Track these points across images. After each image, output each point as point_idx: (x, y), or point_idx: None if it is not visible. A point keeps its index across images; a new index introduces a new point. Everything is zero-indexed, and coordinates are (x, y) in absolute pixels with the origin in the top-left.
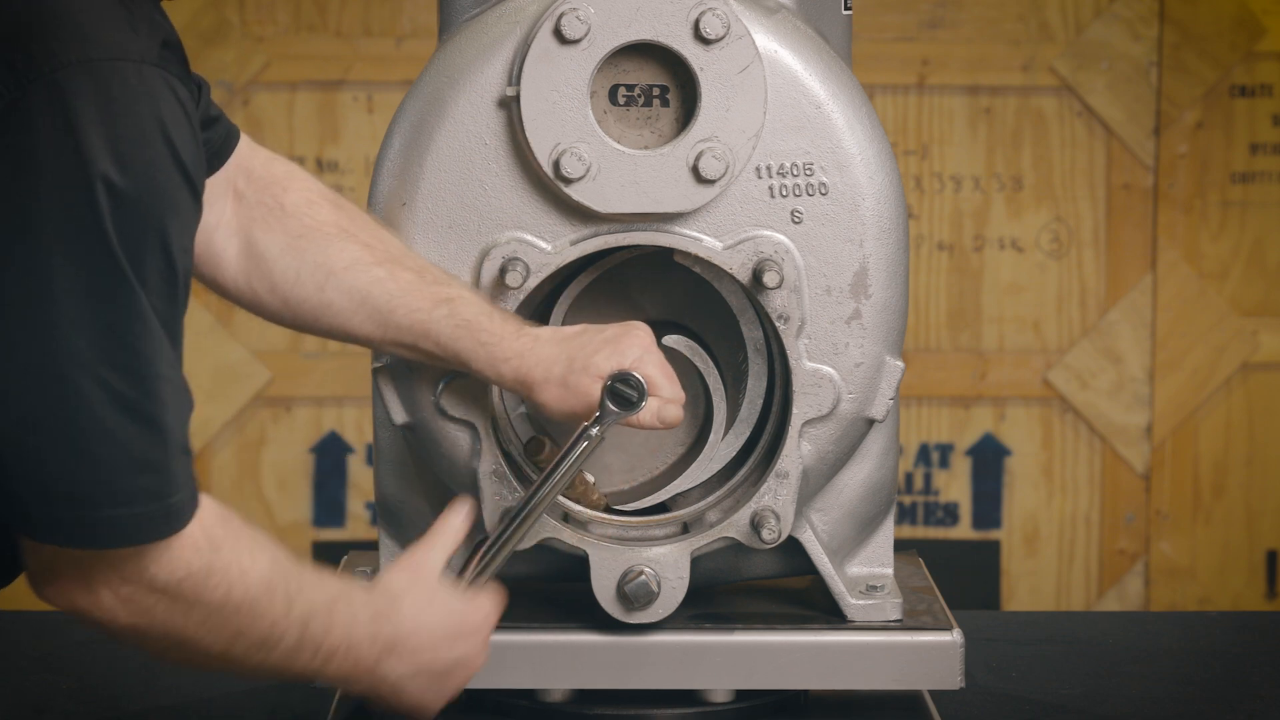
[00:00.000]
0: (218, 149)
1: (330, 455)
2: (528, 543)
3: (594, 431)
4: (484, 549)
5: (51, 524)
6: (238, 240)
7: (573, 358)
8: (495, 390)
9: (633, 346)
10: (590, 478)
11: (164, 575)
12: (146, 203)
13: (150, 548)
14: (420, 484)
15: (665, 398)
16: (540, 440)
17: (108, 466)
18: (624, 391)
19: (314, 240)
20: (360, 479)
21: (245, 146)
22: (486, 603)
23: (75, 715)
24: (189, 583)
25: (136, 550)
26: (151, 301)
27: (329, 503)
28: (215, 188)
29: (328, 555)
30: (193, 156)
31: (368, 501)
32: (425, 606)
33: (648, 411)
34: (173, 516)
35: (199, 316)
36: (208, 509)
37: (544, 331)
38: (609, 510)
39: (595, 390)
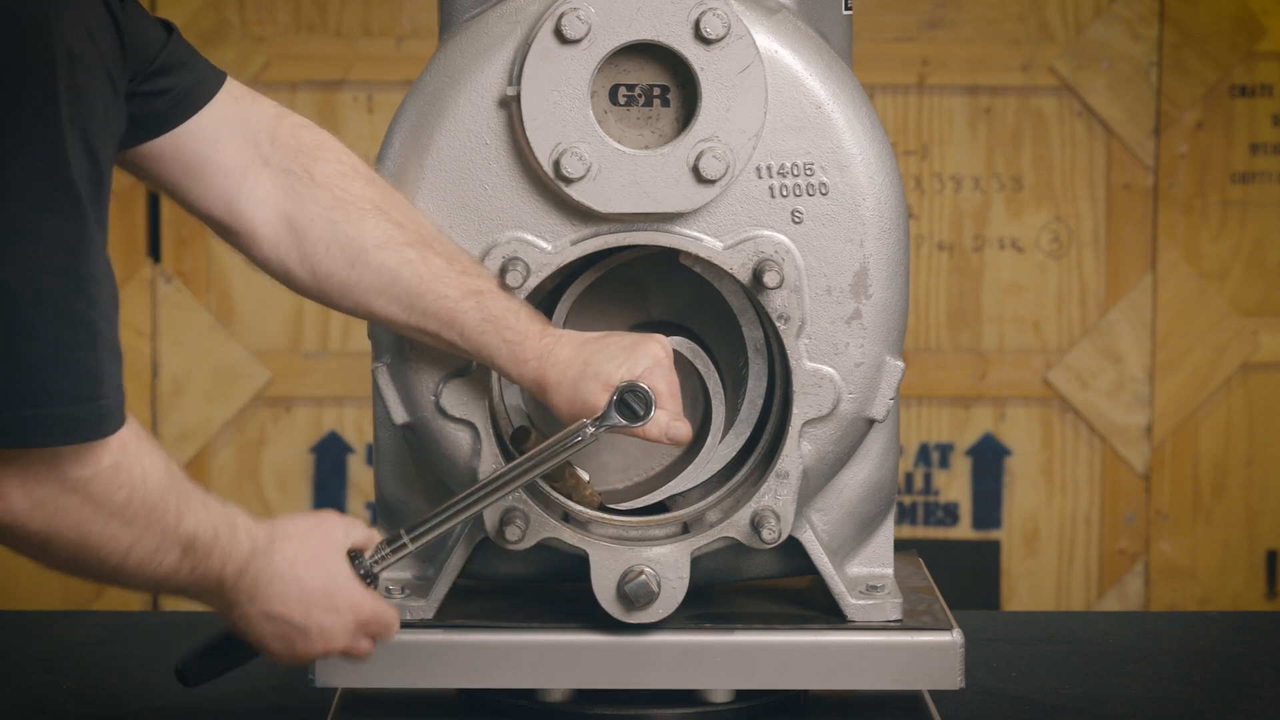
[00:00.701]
0: (187, 95)
1: (330, 455)
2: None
3: (589, 430)
4: (444, 508)
5: None
6: (265, 210)
7: (587, 362)
8: (495, 390)
9: (644, 357)
10: (585, 475)
11: (76, 471)
12: (73, 100)
13: (69, 451)
14: (420, 484)
15: (669, 410)
16: (527, 429)
17: (36, 365)
18: (630, 403)
19: (347, 214)
20: (360, 479)
21: (270, 111)
22: (369, 596)
23: (75, 715)
24: (97, 481)
25: (56, 449)
26: (83, 194)
27: (329, 503)
28: (232, 151)
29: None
30: (114, 56)
31: (368, 501)
32: (304, 562)
33: (656, 425)
34: (103, 419)
35: (199, 316)
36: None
37: (565, 334)
38: (605, 509)
39: (601, 398)
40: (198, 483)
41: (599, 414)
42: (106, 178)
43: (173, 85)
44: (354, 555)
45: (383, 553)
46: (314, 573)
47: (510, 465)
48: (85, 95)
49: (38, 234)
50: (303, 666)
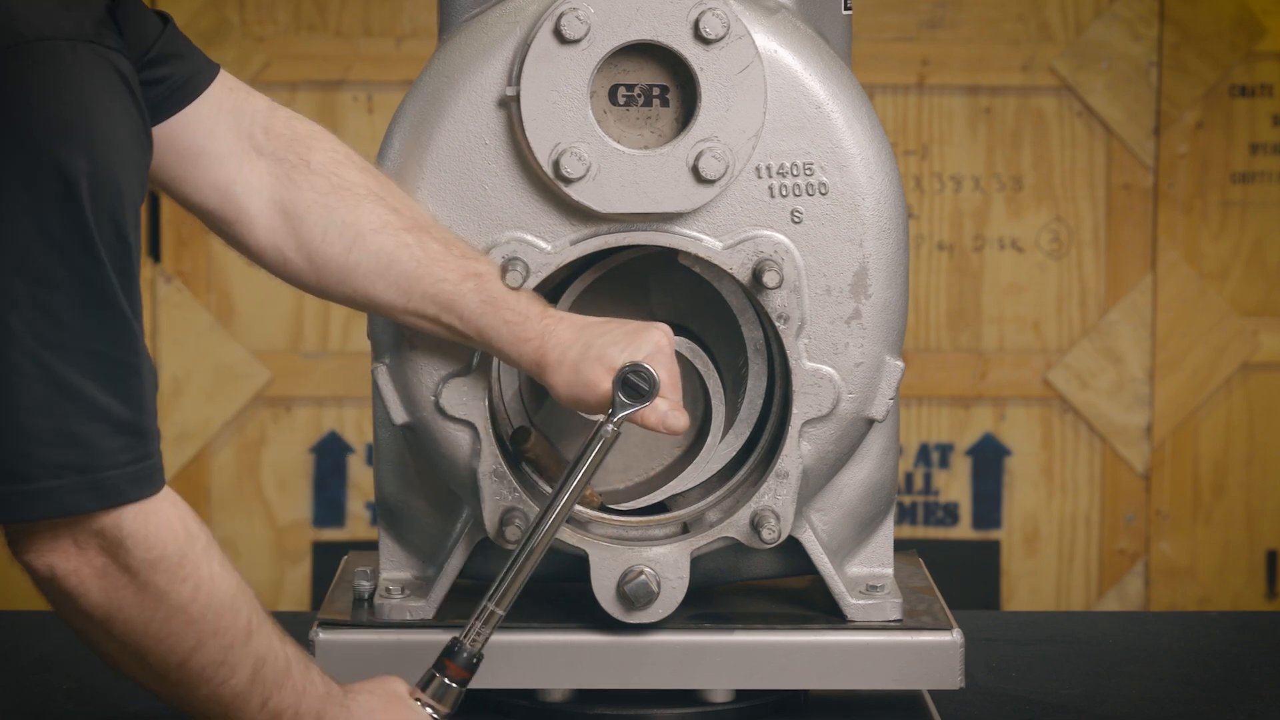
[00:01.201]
0: (183, 84)
1: (330, 455)
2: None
3: (609, 428)
4: (511, 564)
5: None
6: (261, 198)
7: (588, 344)
8: (495, 390)
9: (647, 343)
10: None
11: (140, 551)
12: (94, 181)
13: (129, 518)
14: (420, 484)
15: (671, 400)
16: (526, 429)
17: (91, 434)
18: (635, 383)
19: (343, 199)
20: (360, 479)
21: (263, 104)
22: None
23: (75, 715)
24: (163, 566)
25: (116, 517)
26: (111, 279)
27: (329, 503)
28: (227, 140)
29: (328, 555)
30: (134, 130)
31: (368, 501)
32: (381, 710)
33: (654, 412)
34: (148, 476)
35: (199, 316)
36: (185, 507)
37: (566, 316)
38: (605, 509)
39: (603, 381)
40: (274, 620)
41: (608, 408)
42: (135, 252)
43: (168, 75)
44: (451, 651)
45: (476, 629)
46: (389, 718)
47: (551, 496)
48: (112, 167)
49: (67, 321)
50: None
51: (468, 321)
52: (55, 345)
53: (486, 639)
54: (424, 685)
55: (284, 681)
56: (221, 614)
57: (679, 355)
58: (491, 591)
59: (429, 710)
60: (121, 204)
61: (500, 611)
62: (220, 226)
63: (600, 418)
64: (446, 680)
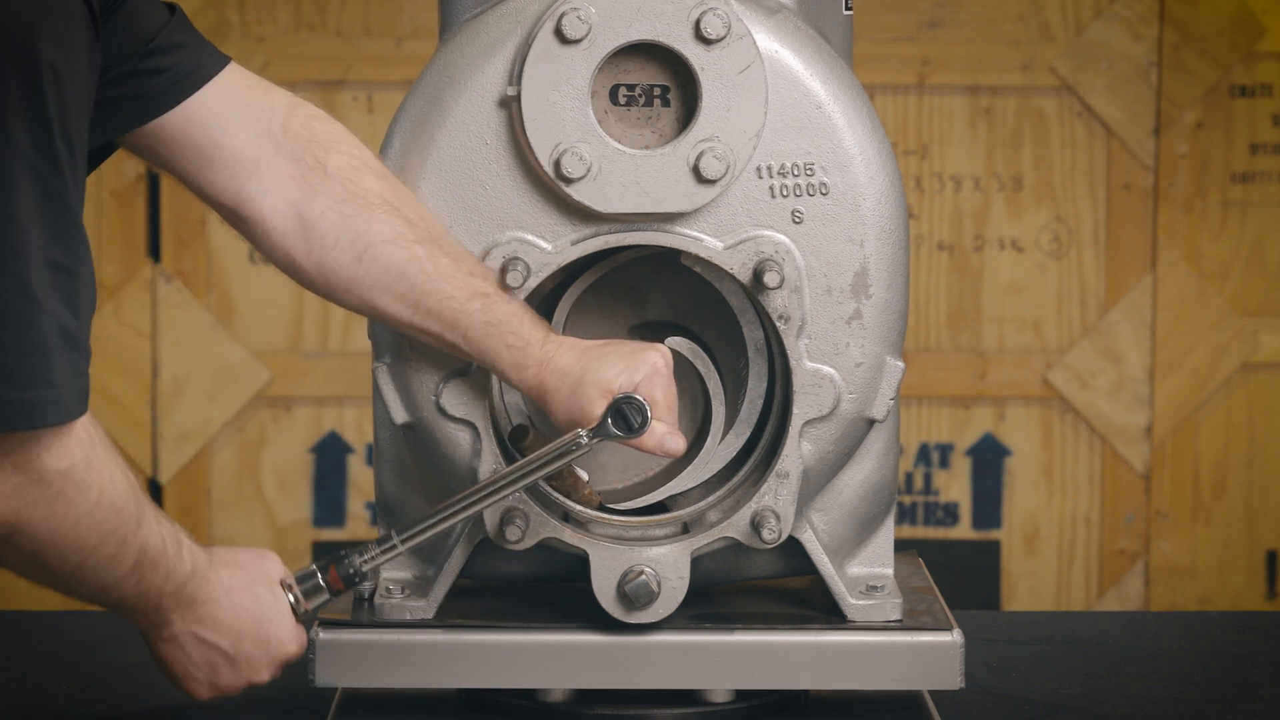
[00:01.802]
0: (189, 73)
1: (330, 455)
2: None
3: (584, 440)
4: (437, 511)
5: None
6: (275, 199)
7: (586, 369)
8: (495, 390)
9: (644, 365)
10: (584, 475)
11: (53, 463)
12: (55, 87)
13: (45, 434)
14: (420, 483)
15: (666, 421)
16: (524, 427)
17: (51, 347)
18: (626, 414)
19: (358, 208)
20: (360, 479)
21: (283, 101)
22: (299, 633)
23: (75, 715)
24: (73, 475)
25: (34, 435)
26: (68, 185)
27: (329, 503)
28: (245, 137)
29: (328, 555)
30: (88, 45)
31: (368, 501)
32: (240, 589)
33: (652, 436)
34: (76, 401)
35: (199, 316)
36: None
37: (566, 341)
38: (604, 509)
39: (598, 405)
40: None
41: (594, 425)
42: (80, 154)
43: (171, 64)
44: (339, 558)
45: (373, 552)
46: (248, 602)
47: (505, 471)
48: (70, 75)
49: (16, 223)
50: (210, 702)
51: (470, 342)
52: (19, 255)
53: (376, 567)
54: (300, 578)
55: (158, 562)
56: (119, 511)
57: (680, 355)
58: (405, 529)
59: (290, 599)
60: (74, 110)
61: (402, 548)
62: (235, 223)
63: (583, 435)
64: (322, 582)
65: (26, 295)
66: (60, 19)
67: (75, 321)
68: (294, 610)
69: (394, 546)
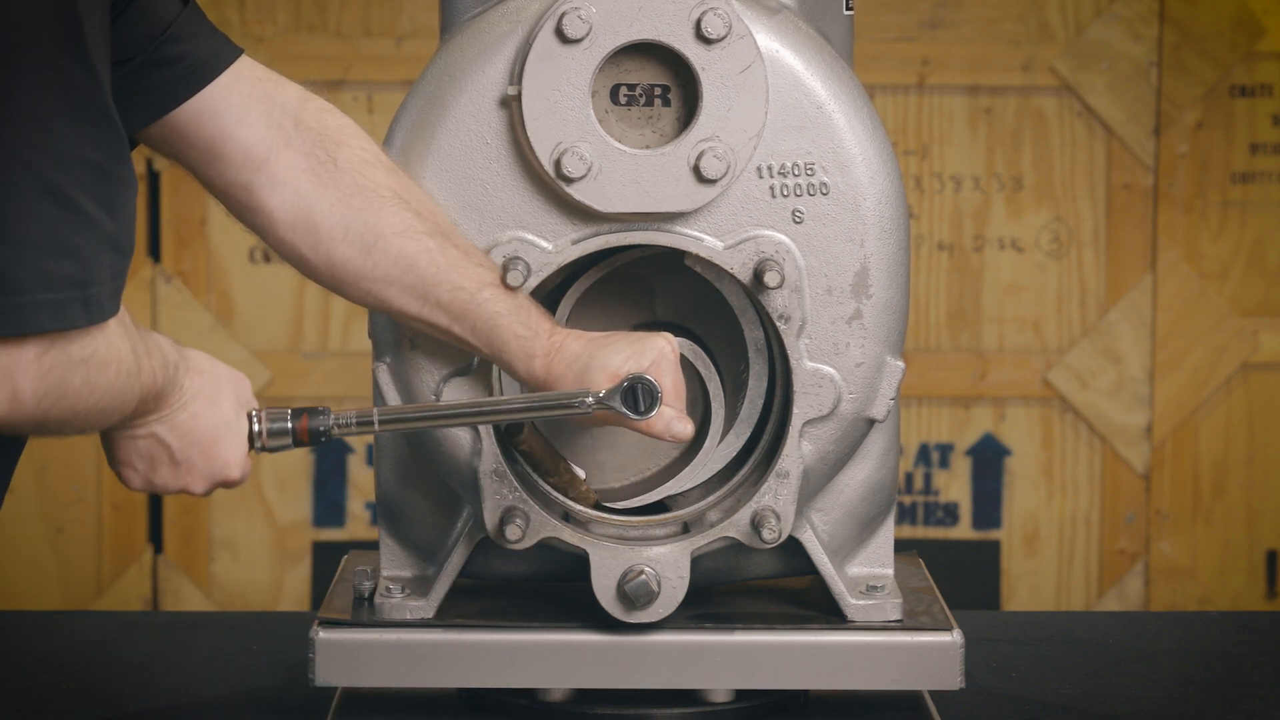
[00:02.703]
0: (203, 64)
1: (330, 455)
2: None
3: (588, 400)
4: (421, 408)
5: None
6: (285, 192)
7: (593, 355)
8: (495, 389)
9: (651, 351)
10: (581, 473)
11: (78, 353)
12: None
13: (76, 332)
14: (421, 483)
15: (675, 408)
16: (521, 425)
17: (34, 250)
18: (638, 394)
19: (367, 200)
20: (360, 479)
21: (295, 94)
22: (245, 461)
23: (75, 715)
24: (95, 359)
25: (65, 334)
26: (102, 86)
27: (329, 503)
28: (257, 130)
29: (328, 555)
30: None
31: (368, 501)
32: (205, 398)
33: (660, 420)
34: (118, 295)
35: (199, 316)
36: None
37: (573, 333)
38: (599, 507)
39: (605, 387)
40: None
41: (604, 394)
42: (104, 61)
43: (184, 55)
44: (315, 411)
45: (349, 420)
46: (209, 413)
47: (498, 399)
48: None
49: (49, 125)
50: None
51: (479, 333)
52: (49, 153)
53: (345, 434)
54: (270, 415)
55: (148, 394)
56: (129, 377)
57: (681, 357)
58: (388, 411)
59: (255, 428)
60: (101, 20)
61: (378, 428)
62: (244, 216)
63: (589, 395)
64: (289, 425)
65: (60, 198)
66: None
67: (113, 222)
68: (251, 439)
69: (370, 424)
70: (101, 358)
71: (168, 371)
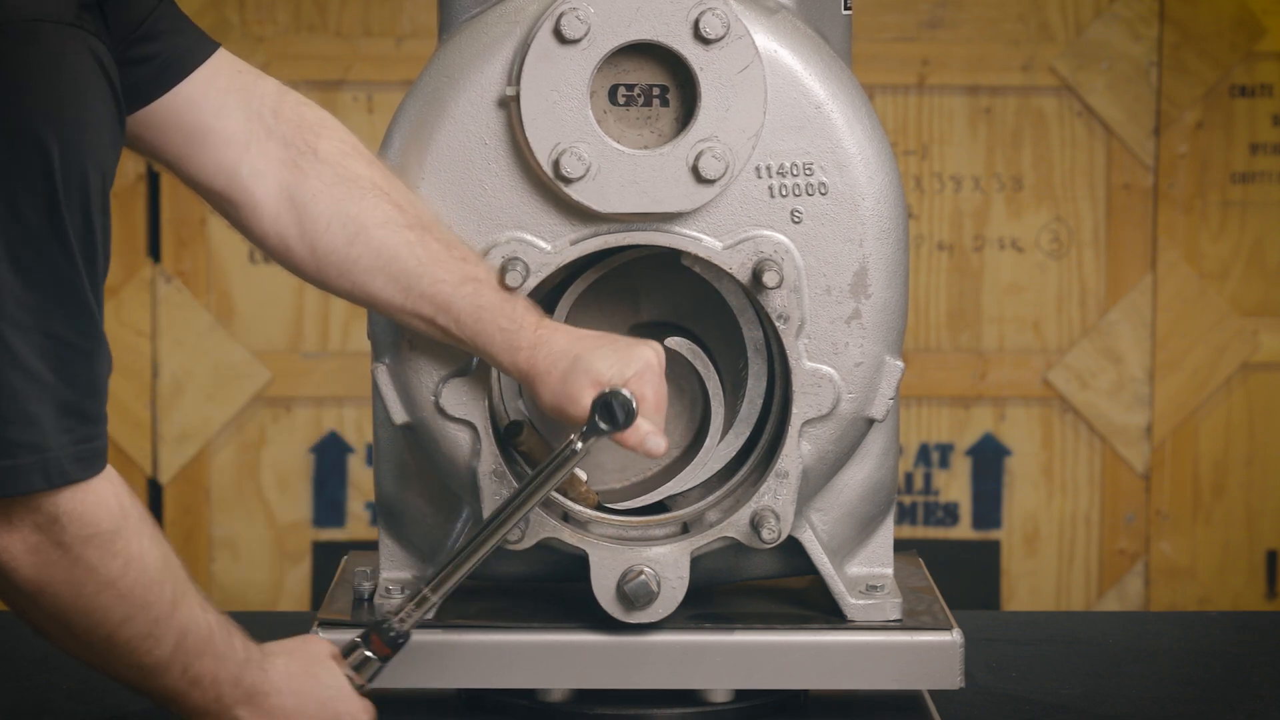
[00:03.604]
0: (178, 59)
1: (330, 455)
2: (523, 542)
3: (577, 446)
4: (456, 554)
5: None
6: (268, 183)
7: (578, 357)
8: (495, 390)
9: (636, 360)
10: (582, 475)
11: (74, 528)
12: (67, 165)
13: (66, 496)
14: (420, 483)
15: (652, 421)
16: (519, 424)
17: (42, 415)
18: (613, 408)
19: (349, 191)
20: (360, 479)
21: (273, 87)
22: (364, 704)
23: (75, 715)
24: (95, 542)
25: (55, 495)
26: (77, 264)
27: (329, 503)
28: (236, 121)
29: (328, 555)
30: (109, 116)
31: (368, 501)
32: (299, 674)
33: (635, 433)
34: (91, 458)
35: (199, 316)
36: (122, 483)
37: (562, 328)
38: (601, 508)
39: (586, 395)
40: (197, 584)
41: (582, 424)
42: (103, 236)
43: (158, 52)
44: (378, 626)
45: (408, 611)
46: (310, 686)
47: (510, 497)
48: (86, 151)
49: (28, 302)
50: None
51: (462, 325)
52: (15, 324)
53: (415, 621)
54: (346, 653)
55: (205, 649)
56: (150, 588)
57: (680, 356)
58: (432, 578)
59: (348, 677)
60: (91, 190)
61: (435, 599)
62: (225, 209)
63: (574, 439)
64: (368, 653)
65: (14, 365)
66: (78, 106)
67: (73, 392)
68: (351, 684)
69: (425, 599)
70: (104, 544)
71: (232, 640)
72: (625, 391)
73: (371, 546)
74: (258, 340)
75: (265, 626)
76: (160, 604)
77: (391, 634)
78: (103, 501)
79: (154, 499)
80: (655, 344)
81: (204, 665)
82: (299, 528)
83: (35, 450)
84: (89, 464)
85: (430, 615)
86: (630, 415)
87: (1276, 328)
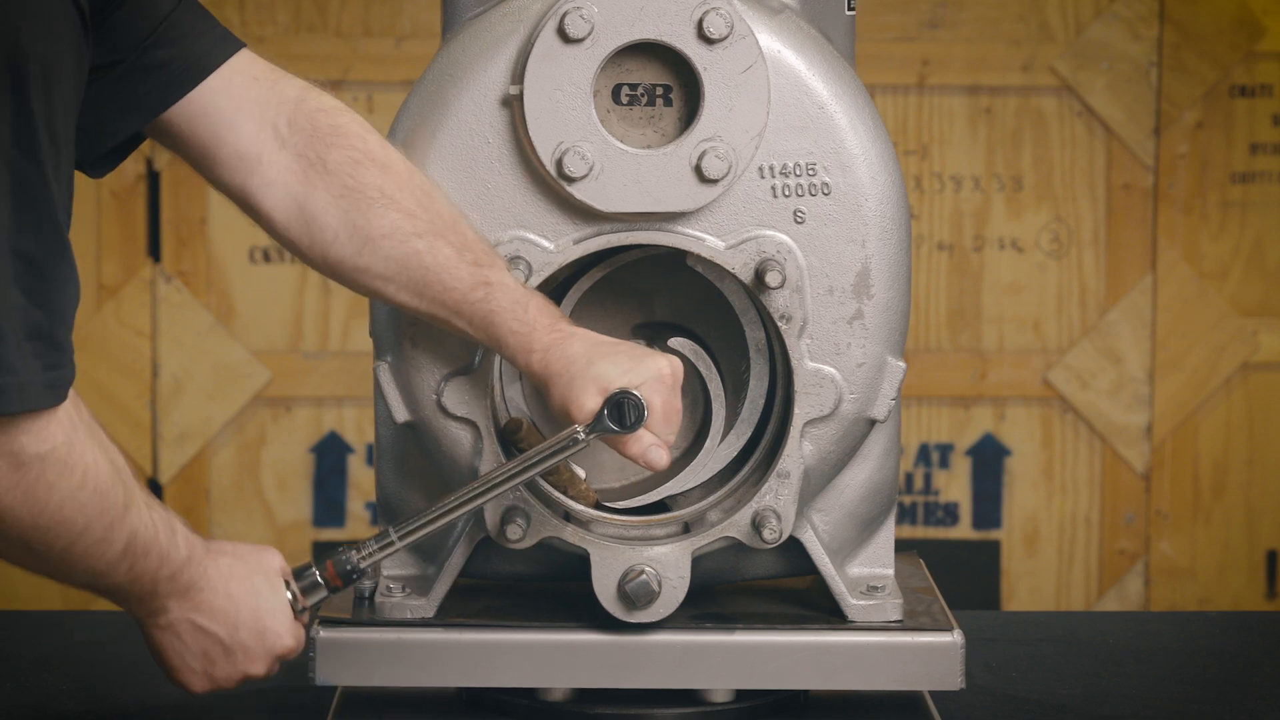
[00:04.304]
0: (192, 65)
1: (330, 455)
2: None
3: (580, 437)
4: (433, 509)
5: None
6: (278, 194)
7: (591, 362)
8: (496, 389)
9: (649, 370)
10: (581, 472)
11: (31, 446)
12: (41, 81)
13: (21, 419)
14: (421, 481)
15: (658, 434)
16: (518, 420)
17: (8, 335)
18: (624, 409)
19: (354, 202)
20: (360, 479)
21: (294, 93)
22: (295, 627)
23: (75, 715)
24: (54, 457)
25: (11, 420)
26: (48, 182)
27: (329, 503)
28: (248, 133)
29: (327, 555)
30: (76, 41)
31: (368, 501)
32: (239, 578)
33: (637, 443)
34: (57, 387)
35: (199, 316)
36: (73, 393)
37: (579, 332)
38: (599, 506)
39: (592, 400)
40: (140, 480)
41: (591, 419)
42: (68, 159)
43: (171, 59)
44: (336, 555)
45: (370, 549)
46: (245, 591)
47: (503, 467)
48: (56, 71)
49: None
50: (203, 696)
51: (477, 328)
52: None
53: (374, 563)
54: (298, 575)
55: (150, 548)
56: (105, 495)
57: (680, 355)
58: (403, 525)
59: (289, 595)
60: (60, 108)
61: (399, 545)
62: (244, 211)
63: (579, 431)
64: (320, 578)
65: (25, 285)
66: (45, 18)
67: (43, 315)
68: (292, 606)
69: (391, 543)
70: (61, 458)
71: (176, 537)
72: (639, 395)
73: None
74: (258, 340)
75: None
76: (114, 508)
77: (348, 568)
78: (56, 418)
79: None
80: (674, 358)
81: (147, 564)
82: (299, 528)
83: (7, 371)
84: (54, 393)
85: (386, 557)
86: (639, 419)
87: (1276, 328)
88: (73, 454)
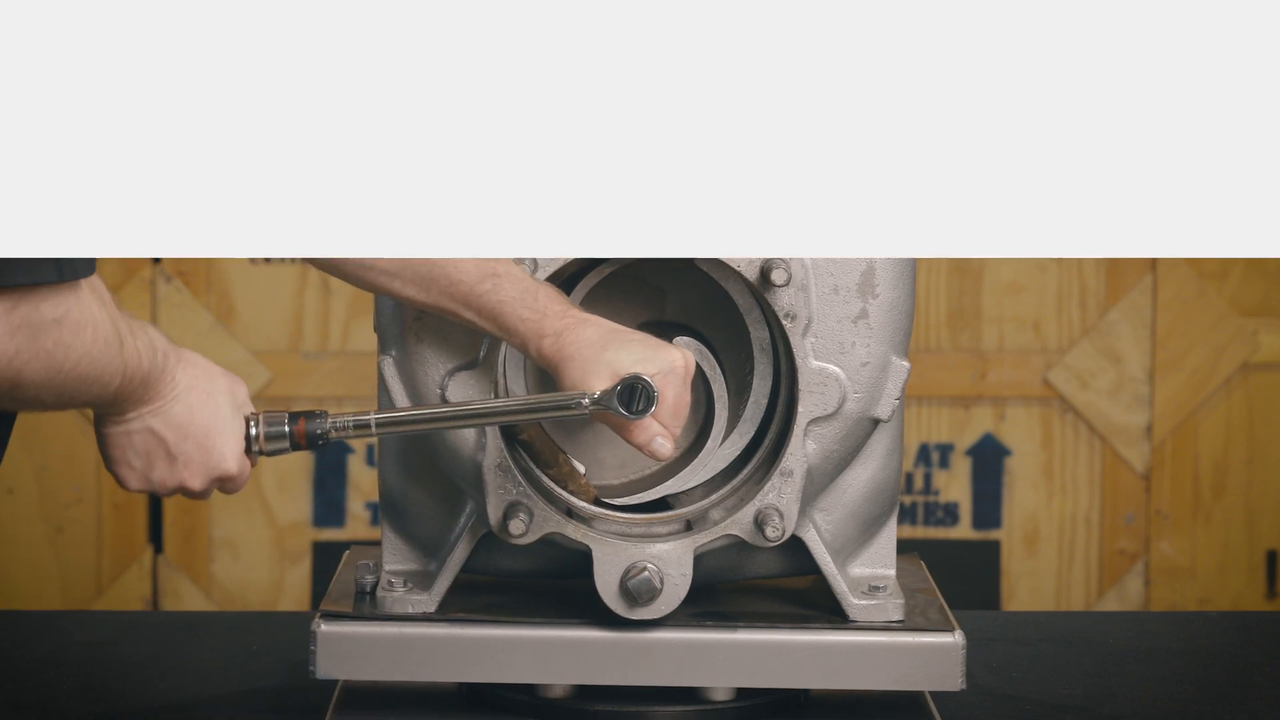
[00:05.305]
0: None
1: (330, 455)
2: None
3: (584, 402)
4: (416, 410)
5: None
6: None
7: (605, 347)
8: (500, 384)
9: (661, 360)
10: (580, 468)
11: (50, 313)
12: None
13: (41, 288)
14: (424, 477)
15: (666, 425)
16: None
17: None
18: (635, 392)
19: None
20: (360, 479)
21: None
22: (242, 456)
23: (75, 715)
24: (68, 320)
25: (27, 292)
26: None
27: (329, 503)
28: None
29: (328, 555)
30: None
31: (368, 501)
32: (200, 392)
33: (644, 431)
34: (64, 265)
35: (199, 316)
36: None
37: (592, 318)
38: (599, 503)
39: (604, 385)
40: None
41: (599, 393)
42: None
43: None
44: (311, 414)
45: (345, 423)
46: (205, 406)
47: (495, 400)
48: None
49: None
50: (138, 494)
51: (486, 319)
52: None
53: (344, 436)
54: (267, 418)
55: (135, 374)
56: (108, 343)
57: None
58: (386, 413)
59: (252, 430)
60: None
61: (375, 431)
62: None
63: (585, 396)
64: (287, 428)
65: None
66: None
67: None
68: (249, 442)
69: (368, 425)
70: (75, 320)
71: (155, 357)
72: (651, 382)
73: (372, 546)
74: (258, 340)
75: (266, 626)
76: (113, 353)
77: (318, 431)
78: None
79: (154, 499)
80: (688, 353)
81: (131, 387)
82: (299, 528)
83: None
84: (91, 264)
85: (358, 436)
86: (647, 407)
87: (1276, 328)
88: (83, 312)
